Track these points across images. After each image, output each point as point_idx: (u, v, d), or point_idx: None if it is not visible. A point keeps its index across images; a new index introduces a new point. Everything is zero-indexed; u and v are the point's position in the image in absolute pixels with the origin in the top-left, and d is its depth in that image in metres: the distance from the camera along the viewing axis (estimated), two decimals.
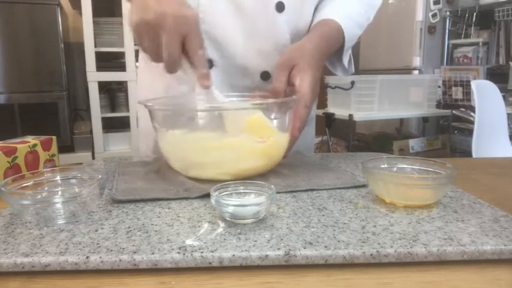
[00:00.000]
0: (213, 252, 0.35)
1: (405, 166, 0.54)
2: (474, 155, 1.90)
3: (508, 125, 2.18)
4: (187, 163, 0.57)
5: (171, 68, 0.55)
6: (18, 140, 0.67)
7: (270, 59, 0.73)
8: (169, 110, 0.62)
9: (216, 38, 0.71)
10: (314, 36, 0.68)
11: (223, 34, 0.71)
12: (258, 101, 0.60)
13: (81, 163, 0.82)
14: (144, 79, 0.85)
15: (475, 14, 2.93)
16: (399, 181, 0.47)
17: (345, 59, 0.76)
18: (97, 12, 2.52)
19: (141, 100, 0.60)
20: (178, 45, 0.53)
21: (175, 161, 0.59)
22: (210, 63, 0.73)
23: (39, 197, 0.42)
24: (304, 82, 0.60)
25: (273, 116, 0.57)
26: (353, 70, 0.80)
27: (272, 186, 0.44)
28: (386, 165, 0.54)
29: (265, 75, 0.74)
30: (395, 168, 0.54)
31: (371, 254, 0.36)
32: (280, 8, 0.70)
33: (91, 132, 2.72)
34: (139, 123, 0.87)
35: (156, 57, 0.55)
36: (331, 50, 0.71)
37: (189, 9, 0.54)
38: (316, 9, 0.77)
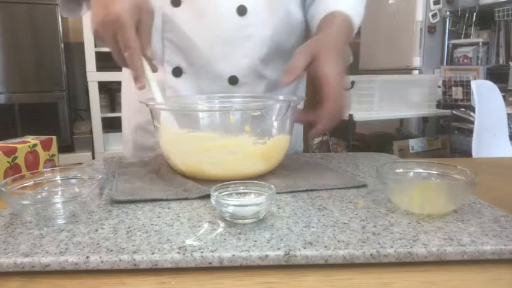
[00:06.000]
0: (213, 252, 0.35)
1: (421, 171, 0.51)
2: (474, 155, 1.90)
3: (508, 125, 2.18)
4: (187, 163, 0.57)
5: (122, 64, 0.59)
6: (18, 140, 0.67)
7: (236, 64, 0.72)
8: (171, 110, 0.62)
9: (182, 46, 0.71)
10: (335, 29, 0.65)
11: (189, 42, 0.71)
12: (260, 102, 0.60)
13: (81, 163, 0.82)
14: (126, 88, 0.85)
15: (475, 14, 2.93)
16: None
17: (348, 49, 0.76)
18: None
19: (143, 100, 0.60)
20: (113, 45, 0.56)
21: (175, 160, 0.59)
22: (180, 71, 0.73)
23: (39, 197, 0.42)
24: (333, 69, 0.56)
25: (274, 117, 0.57)
26: (352, 59, 0.79)
27: (272, 186, 0.44)
28: (401, 170, 0.51)
29: (233, 80, 0.73)
30: (411, 173, 0.51)
31: (371, 254, 0.36)
32: (241, 11, 0.70)
33: (91, 132, 2.72)
34: (124, 128, 0.87)
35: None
36: (347, 43, 0.68)
37: (119, 4, 0.53)
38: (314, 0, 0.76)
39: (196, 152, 0.56)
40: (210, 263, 0.35)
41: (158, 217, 0.44)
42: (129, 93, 0.83)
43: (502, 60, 2.81)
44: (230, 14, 0.70)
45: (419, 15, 2.99)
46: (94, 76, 2.63)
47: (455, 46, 3.07)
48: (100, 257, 0.35)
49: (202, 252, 0.35)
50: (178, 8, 0.70)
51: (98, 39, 0.58)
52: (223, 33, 0.70)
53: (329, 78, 0.56)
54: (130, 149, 0.84)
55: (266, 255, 0.35)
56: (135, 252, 0.35)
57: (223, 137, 0.56)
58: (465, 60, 2.97)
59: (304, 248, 0.36)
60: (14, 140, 0.66)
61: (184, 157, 0.57)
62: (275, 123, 0.57)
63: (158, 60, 0.72)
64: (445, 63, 3.09)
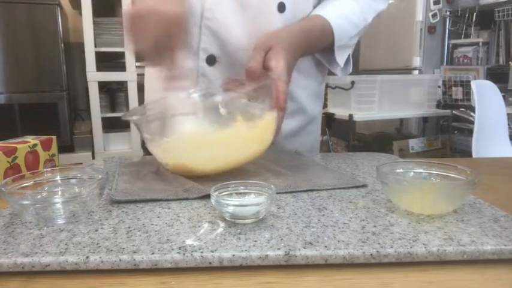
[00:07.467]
0: (213, 252, 0.35)
1: (421, 171, 0.51)
2: (474, 155, 1.90)
3: (508, 125, 2.18)
4: (187, 163, 0.57)
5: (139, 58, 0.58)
6: (18, 140, 0.67)
7: None
8: (155, 119, 0.61)
9: (219, 35, 0.73)
10: (293, 27, 0.69)
11: (227, 32, 0.72)
12: (245, 89, 0.60)
13: (81, 163, 0.82)
14: (149, 79, 0.86)
15: (475, 14, 2.94)
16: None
17: (340, 58, 0.76)
18: (97, 12, 2.52)
19: (126, 114, 0.59)
20: (151, 41, 0.55)
21: (175, 164, 0.59)
22: (213, 59, 0.74)
23: (39, 197, 0.42)
24: (279, 63, 0.61)
25: (259, 100, 0.58)
26: (350, 70, 0.80)
27: (272, 186, 0.44)
28: (401, 170, 0.51)
29: None
30: (411, 173, 0.51)
31: (371, 254, 0.36)
32: (281, 8, 0.72)
33: (91, 132, 2.71)
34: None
35: (134, 46, 0.57)
36: (311, 44, 0.72)
37: (178, 9, 0.56)
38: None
39: (190, 152, 0.56)
40: (210, 263, 0.35)
41: (158, 217, 0.44)
42: (156, 82, 0.83)
43: (502, 60, 2.82)
44: (270, 10, 0.72)
45: (419, 15, 2.99)
46: (94, 76, 2.63)
47: (455, 46, 3.07)
48: (100, 257, 0.35)
49: (202, 252, 0.35)
50: None
51: (132, 25, 0.56)
52: (261, 28, 0.72)
53: (277, 69, 0.60)
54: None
55: (266, 255, 0.35)
56: (135, 252, 0.35)
57: (216, 132, 0.55)
58: (465, 60, 2.97)
59: (304, 248, 0.36)
60: (14, 140, 0.66)
61: (183, 159, 0.57)
62: (261, 105, 0.58)
63: (193, 46, 0.74)
64: (445, 63, 3.09)
